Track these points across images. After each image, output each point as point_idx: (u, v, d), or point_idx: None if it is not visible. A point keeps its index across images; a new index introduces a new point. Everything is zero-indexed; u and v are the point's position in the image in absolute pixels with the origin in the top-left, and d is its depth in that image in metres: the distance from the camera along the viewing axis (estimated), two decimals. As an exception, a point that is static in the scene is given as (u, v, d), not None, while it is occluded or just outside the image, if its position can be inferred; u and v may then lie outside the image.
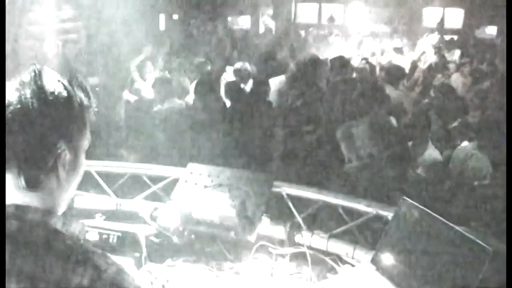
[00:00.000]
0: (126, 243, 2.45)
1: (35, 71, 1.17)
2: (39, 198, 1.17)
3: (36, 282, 1.07)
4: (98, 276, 1.09)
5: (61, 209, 1.24)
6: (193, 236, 2.56)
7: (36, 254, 1.09)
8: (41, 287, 1.07)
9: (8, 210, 1.13)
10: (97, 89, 7.21)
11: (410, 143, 4.80)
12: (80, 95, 1.21)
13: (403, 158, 4.28)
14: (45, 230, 1.13)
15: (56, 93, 1.16)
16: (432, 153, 4.72)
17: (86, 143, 1.25)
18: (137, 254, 2.40)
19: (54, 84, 1.17)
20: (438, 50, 9.83)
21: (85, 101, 1.22)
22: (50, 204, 1.19)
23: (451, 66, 8.69)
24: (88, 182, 3.17)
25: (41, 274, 1.07)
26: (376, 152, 4.28)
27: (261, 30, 14.67)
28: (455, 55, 9.96)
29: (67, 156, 1.18)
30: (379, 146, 4.32)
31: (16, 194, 1.15)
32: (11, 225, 1.11)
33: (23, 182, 1.13)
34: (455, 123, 5.32)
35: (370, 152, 4.30)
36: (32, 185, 1.14)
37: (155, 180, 3.02)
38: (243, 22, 15.39)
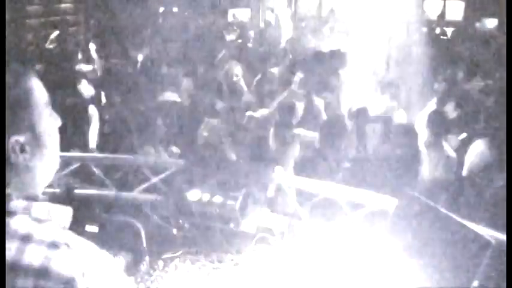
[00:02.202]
0: (126, 235, 2.45)
1: None
2: (16, 186, 1.12)
3: (15, 272, 1.03)
4: (80, 264, 1.04)
5: (41, 189, 1.19)
6: (193, 228, 2.56)
7: (17, 243, 1.05)
8: (22, 276, 1.03)
9: None
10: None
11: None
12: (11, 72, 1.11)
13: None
14: (29, 217, 1.09)
15: None
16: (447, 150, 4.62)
17: (41, 107, 1.15)
18: (137, 246, 2.40)
19: None
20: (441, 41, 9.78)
21: (18, 67, 1.12)
22: (30, 188, 1.15)
23: (455, 58, 8.64)
24: (87, 175, 3.17)
25: (20, 264, 1.03)
26: (383, 150, 4.27)
27: (261, 23, 14.63)
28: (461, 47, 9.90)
29: (20, 139, 1.09)
30: (387, 146, 4.32)
31: None
32: None
33: None
34: (454, 115, 5.31)
35: (377, 149, 4.30)
36: None
37: (155, 172, 3.01)
38: (242, 15, 15.33)
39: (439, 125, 4.62)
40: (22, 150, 1.10)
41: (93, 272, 1.07)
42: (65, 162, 3.03)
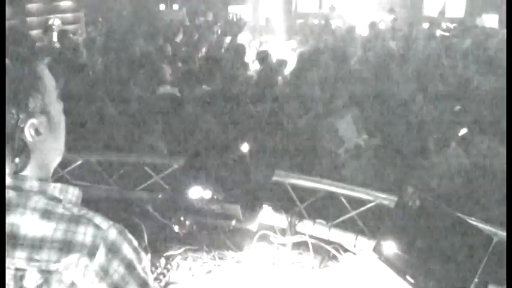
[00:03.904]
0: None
1: None
2: (31, 168, 1.18)
3: (38, 246, 1.09)
4: (100, 234, 1.12)
5: (54, 166, 1.27)
6: (194, 226, 2.56)
7: (37, 220, 1.11)
8: (46, 250, 1.09)
9: (6, 182, 1.14)
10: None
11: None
12: (19, 51, 1.16)
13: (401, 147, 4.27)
14: (44, 197, 1.15)
15: None
16: (459, 153, 4.56)
17: (51, 90, 1.22)
18: (139, 244, 2.40)
19: None
20: (443, 38, 9.77)
21: (27, 54, 1.17)
22: (43, 169, 1.21)
23: (457, 54, 8.61)
24: (89, 172, 3.17)
25: (43, 238, 1.09)
26: (362, 141, 4.26)
27: (261, 21, 14.62)
28: (466, 43, 9.88)
29: (35, 122, 1.16)
30: (364, 134, 4.30)
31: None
32: (9, 194, 1.13)
33: (8, 171, 1.15)
34: (455, 109, 5.31)
35: (357, 141, 4.28)
36: (15, 172, 1.15)
37: (157, 169, 3.01)
38: (243, 12, 15.32)
39: (450, 125, 4.60)
40: (37, 132, 1.17)
41: (112, 239, 1.13)
42: (67, 160, 3.03)
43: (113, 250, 1.12)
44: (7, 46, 1.15)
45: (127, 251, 1.15)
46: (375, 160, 4.34)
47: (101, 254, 1.11)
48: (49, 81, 1.22)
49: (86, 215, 1.15)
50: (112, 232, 1.14)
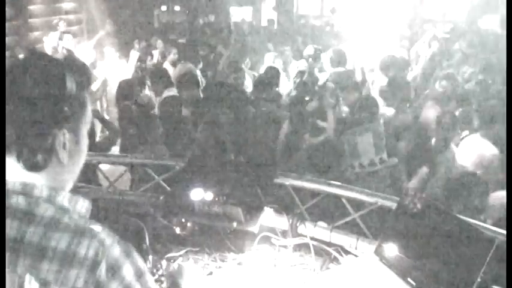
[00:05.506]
0: (129, 234, 2.45)
1: (29, 51, 1.17)
2: (44, 178, 1.17)
3: (41, 255, 1.08)
4: (103, 250, 1.10)
5: (67, 188, 1.24)
6: (196, 228, 2.56)
7: (43, 228, 1.10)
8: (47, 259, 1.08)
9: (15, 187, 1.14)
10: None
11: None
12: (75, 73, 1.18)
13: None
14: (53, 206, 1.14)
15: (48, 73, 1.14)
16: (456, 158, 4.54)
17: (87, 121, 1.24)
18: (140, 246, 2.40)
19: (46, 63, 1.16)
20: (443, 40, 9.74)
21: (81, 79, 1.19)
22: (55, 183, 1.19)
23: (457, 56, 8.60)
24: (91, 174, 3.18)
25: (47, 247, 1.08)
26: (378, 160, 4.23)
27: (263, 22, 14.63)
28: (463, 45, 9.84)
29: (66, 136, 1.17)
30: (383, 153, 4.27)
31: (22, 173, 1.15)
32: (18, 200, 1.12)
33: (22, 164, 1.13)
34: (456, 113, 5.28)
35: (373, 159, 4.25)
36: (31, 167, 1.14)
37: (159, 171, 3.02)
38: (244, 13, 15.31)
39: (449, 127, 4.58)
40: (64, 146, 1.18)
41: (115, 257, 1.12)
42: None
43: (114, 268, 1.11)
44: (74, 71, 1.17)
45: (128, 272, 1.13)
46: (387, 179, 4.32)
47: (102, 270, 1.09)
48: (89, 112, 1.25)
49: (92, 228, 1.13)
50: (115, 249, 1.12)
